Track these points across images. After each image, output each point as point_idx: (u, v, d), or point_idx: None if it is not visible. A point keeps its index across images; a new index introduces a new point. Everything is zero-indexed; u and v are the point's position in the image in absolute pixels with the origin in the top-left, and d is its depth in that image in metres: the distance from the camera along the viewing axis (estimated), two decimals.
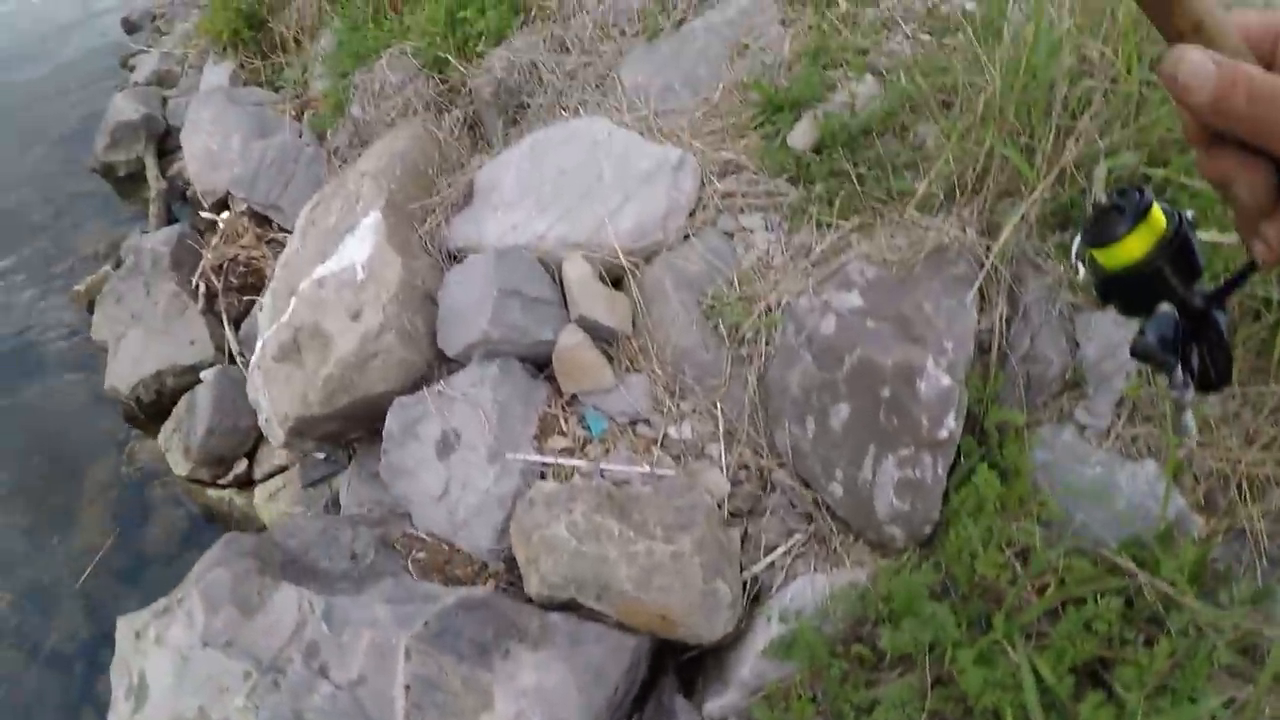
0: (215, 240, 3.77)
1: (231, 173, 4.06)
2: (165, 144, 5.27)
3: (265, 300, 2.99)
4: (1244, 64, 0.44)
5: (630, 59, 3.16)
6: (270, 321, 2.85)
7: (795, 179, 2.54)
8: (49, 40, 8.07)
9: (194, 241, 3.89)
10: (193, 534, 3.31)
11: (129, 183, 5.15)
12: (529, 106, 3.28)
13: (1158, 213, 0.54)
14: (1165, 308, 0.55)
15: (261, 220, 3.76)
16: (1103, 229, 0.54)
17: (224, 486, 3.34)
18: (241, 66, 5.29)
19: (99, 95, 6.40)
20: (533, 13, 3.57)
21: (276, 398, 2.71)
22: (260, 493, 3.27)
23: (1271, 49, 0.46)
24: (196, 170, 4.34)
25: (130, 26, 7.58)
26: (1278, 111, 0.42)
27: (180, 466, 3.37)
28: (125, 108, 5.25)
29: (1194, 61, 0.43)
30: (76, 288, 4.29)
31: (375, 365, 2.57)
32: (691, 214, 2.59)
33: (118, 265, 4.20)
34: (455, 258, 2.86)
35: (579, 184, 2.71)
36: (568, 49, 3.38)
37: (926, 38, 2.70)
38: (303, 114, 4.33)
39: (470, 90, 3.34)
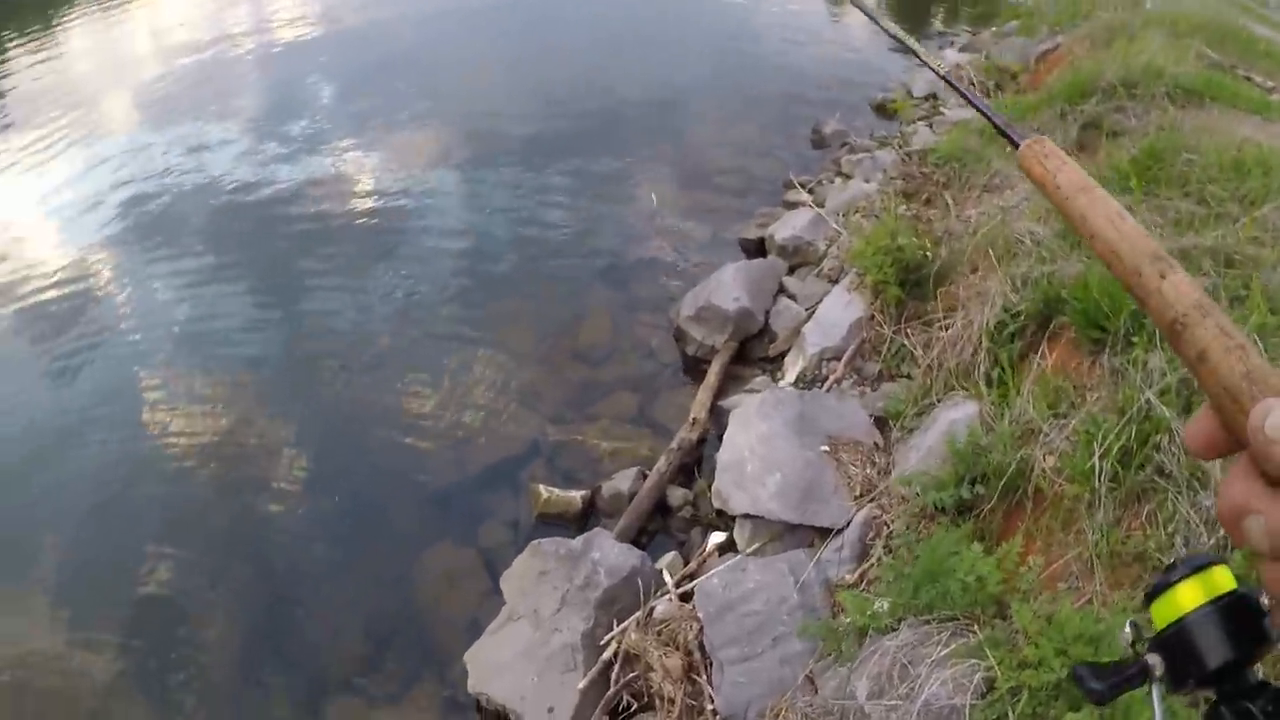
0: (650, 617, 2.87)
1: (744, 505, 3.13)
2: (747, 348, 4.57)
3: None
4: None
5: None
6: None
7: None
8: (757, 100, 7.90)
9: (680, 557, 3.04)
10: None
11: (693, 366, 4.58)
12: None
13: (1223, 573, 0.50)
14: None
15: (701, 647, 2.73)
16: (1158, 581, 0.52)
17: None
18: (872, 319, 4.26)
19: (745, 212, 5.98)
20: None
21: None
22: None
23: None
24: (723, 463, 3.50)
25: (819, 140, 7.00)
26: None
27: None
28: (728, 291, 4.62)
29: None
30: (537, 489, 3.74)
31: None
32: None
33: (587, 514, 3.61)
34: None
35: None
36: None
37: None
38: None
39: None
